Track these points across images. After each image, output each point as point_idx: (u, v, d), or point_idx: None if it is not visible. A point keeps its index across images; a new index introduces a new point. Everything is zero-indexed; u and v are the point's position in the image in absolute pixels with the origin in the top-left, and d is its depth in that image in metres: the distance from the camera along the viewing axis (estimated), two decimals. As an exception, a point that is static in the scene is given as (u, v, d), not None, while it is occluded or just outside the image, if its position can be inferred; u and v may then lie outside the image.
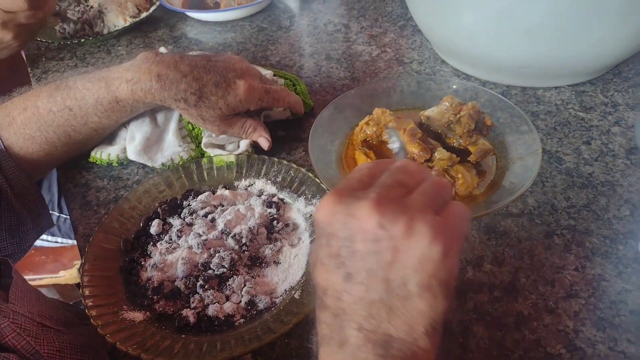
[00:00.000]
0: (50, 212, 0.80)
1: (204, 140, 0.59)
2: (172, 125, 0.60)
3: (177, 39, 0.86)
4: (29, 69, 0.83)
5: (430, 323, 0.28)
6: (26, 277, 0.92)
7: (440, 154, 0.54)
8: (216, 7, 0.91)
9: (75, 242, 0.95)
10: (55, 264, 0.92)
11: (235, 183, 0.56)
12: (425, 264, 0.28)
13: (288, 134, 0.63)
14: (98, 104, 0.55)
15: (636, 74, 0.68)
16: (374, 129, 0.58)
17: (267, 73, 0.67)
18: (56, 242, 0.92)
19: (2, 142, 0.56)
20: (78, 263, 1.06)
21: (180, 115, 0.61)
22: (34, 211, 0.62)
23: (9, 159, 0.57)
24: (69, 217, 0.90)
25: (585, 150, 0.58)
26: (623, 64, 0.70)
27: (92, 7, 0.90)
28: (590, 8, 0.53)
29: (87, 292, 0.44)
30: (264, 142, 0.58)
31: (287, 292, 0.44)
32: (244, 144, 0.59)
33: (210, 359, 0.38)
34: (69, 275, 0.94)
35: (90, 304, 0.43)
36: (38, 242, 0.85)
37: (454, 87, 0.63)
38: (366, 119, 0.59)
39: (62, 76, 0.58)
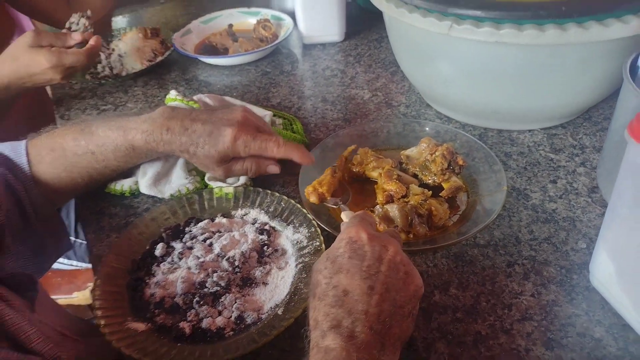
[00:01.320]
0: (67, 236, 0.87)
1: (207, 175, 0.67)
2: (180, 161, 0.67)
3: (188, 81, 0.95)
4: (54, 107, 0.92)
5: (405, 339, 0.40)
6: (41, 298, 0.99)
7: (414, 190, 0.60)
8: (225, 52, 1.00)
9: (89, 265, 1.01)
10: (69, 286, 0.98)
11: (232, 212, 0.62)
12: (415, 298, 0.41)
13: (284, 168, 0.70)
14: (117, 150, 0.63)
15: (604, 119, 0.75)
16: (357, 169, 0.65)
17: (267, 114, 0.74)
18: (71, 265, 0.99)
19: (32, 174, 0.63)
20: (91, 285, 1.12)
21: (184, 165, 0.68)
22: (55, 235, 0.69)
23: (36, 189, 0.65)
24: (84, 242, 0.97)
25: (551, 189, 0.63)
26: (594, 109, 0.76)
27: (113, 50, 1.00)
28: (550, 64, 0.60)
29: (97, 305, 0.50)
30: (274, 169, 0.65)
31: (272, 309, 0.50)
32: (243, 178, 0.66)
33: None
34: (82, 296, 1.00)
35: (100, 314, 0.49)
36: (55, 265, 0.92)
37: (434, 129, 0.70)
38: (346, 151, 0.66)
39: (86, 119, 0.66)
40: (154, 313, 0.50)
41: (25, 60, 0.77)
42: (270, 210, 0.61)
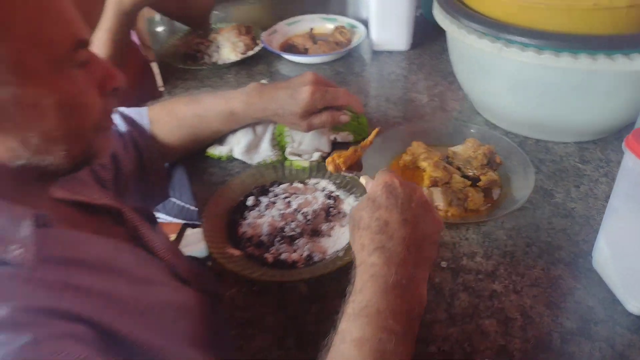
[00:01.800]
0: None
1: (287, 150, 0.82)
2: (267, 136, 0.84)
3: (272, 73, 1.12)
4: (161, 85, 1.11)
5: (434, 261, 0.51)
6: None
7: (456, 179, 0.73)
8: (305, 52, 1.16)
9: (172, 219, 1.21)
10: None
11: (307, 180, 0.78)
12: (438, 230, 0.51)
13: (349, 152, 0.85)
14: (219, 114, 0.80)
15: (634, 140, 0.85)
16: (410, 158, 0.79)
17: (339, 107, 0.90)
18: (158, 218, 1.18)
19: (151, 133, 0.81)
20: (174, 236, 1.31)
21: (273, 130, 0.84)
22: (160, 185, 0.87)
23: (153, 146, 0.83)
24: (171, 199, 1.16)
25: (574, 192, 0.75)
26: (624, 130, 0.87)
27: (212, 42, 1.18)
28: (583, 87, 0.72)
29: (205, 236, 0.67)
30: (345, 118, 0.79)
31: (334, 253, 0.65)
32: (316, 155, 0.81)
33: (276, 280, 0.60)
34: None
35: (207, 241, 0.65)
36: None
37: (480, 133, 0.83)
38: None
39: (191, 93, 0.83)
40: (245, 245, 0.67)
41: None
42: (337, 182, 0.76)
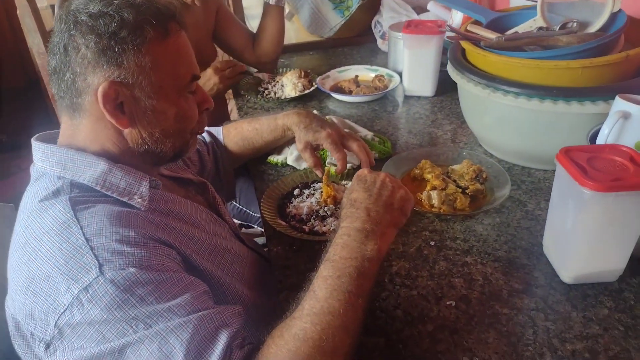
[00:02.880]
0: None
1: (327, 160, 1.10)
2: (313, 150, 1.12)
3: (322, 108, 1.42)
4: (237, 112, 1.44)
5: (400, 225, 0.74)
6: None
7: (450, 186, 0.98)
8: (349, 93, 1.46)
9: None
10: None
11: (339, 181, 1.05)
12: (402, 200, 0.74)
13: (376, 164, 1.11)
14: (270, 129, 1.09)
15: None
16: (418, 171, 1.04)
17: (370, 133, 1.17)
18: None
19: (224, 144, 1.12)
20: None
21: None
22: (228, 186, 1.17)
23: (224, 153, 1.13)
24: (234, 202, 1.46)
25: (543, 203, 0.97)
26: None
27: (277, 81, 1.51)
28: (548, 125, 0.96)
29: (263, 210, 0.95)
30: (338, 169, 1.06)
31: (353, 228, 0.91)
32: (347, 165, 1.08)
33: (309, 239, 0.86)
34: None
35: (264, 214, 0.93)
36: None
37: (477, 158, 1.08)
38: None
39: (254, 115, 1.14)
40: (290, 220, 0.94)
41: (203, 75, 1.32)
42: (361, 184, 1.03)
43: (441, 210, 0.95)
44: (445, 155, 1.11)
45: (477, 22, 1.13)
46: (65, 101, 0.69)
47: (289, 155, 1.13)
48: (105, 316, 0.58)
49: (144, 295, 0.59)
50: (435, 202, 0.95)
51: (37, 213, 0.66)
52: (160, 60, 0.69)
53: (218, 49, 1.68)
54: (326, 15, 1.76)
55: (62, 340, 0.59)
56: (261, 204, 0.97)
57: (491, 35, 1.05)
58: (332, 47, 1.88)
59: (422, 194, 0.98)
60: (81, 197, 0.67)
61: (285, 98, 1.45)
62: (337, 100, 1.45)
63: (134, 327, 0.58)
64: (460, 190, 0.98)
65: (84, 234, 0.62)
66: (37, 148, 0.71)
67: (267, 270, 0.90)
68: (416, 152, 1.12)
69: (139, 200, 0.71)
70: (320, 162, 1.04)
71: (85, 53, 0.65)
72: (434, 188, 0.98)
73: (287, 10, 1.82)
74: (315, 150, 1.04)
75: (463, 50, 1.11)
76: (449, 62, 1.14)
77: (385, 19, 1.69)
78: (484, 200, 0.98)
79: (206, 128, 1.14)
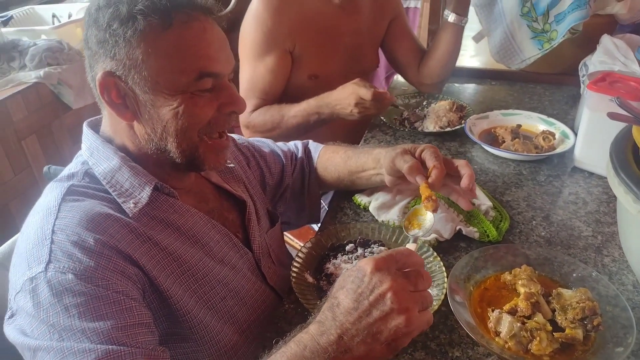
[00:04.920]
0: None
1: (404, 223, 0.91)
2: (401, 204, 0.94)
3: (460, 153, 1.19)
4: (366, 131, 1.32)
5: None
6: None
7: (539, 317, 0.70)
8: (500, 144, 1.18)
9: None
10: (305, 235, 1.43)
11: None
12: (397, 333, 0.54)
13: (471, 243, 0.88)
14: (361, 160, 0.96)
15: None
16: (510, 278, 0.78)
17: (487, 204, 0.94)
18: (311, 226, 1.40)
19: (315, 165, 1.02)
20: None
21: (408, 202, 0.94)
22: (313, 209, 1.07)
23: (313, 173, 1.03)
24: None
25: None
26: None
27: (421, 110, 1.32)
28: None
29: (298, 254, 0.83)
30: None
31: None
32: (432, 236, 0.88)
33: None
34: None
35: (296, 260, 0.82)
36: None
37: (602, 291, 0.75)
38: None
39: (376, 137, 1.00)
40: (322, 278, 0.80)
41: (342, 90, 1.17)
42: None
43: (506, 347, 0.69)
44: (565, 269, 0.80)
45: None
46: (93, 92, 0.70)
47: (374, 201, 0.97)
48: (33, 312, 0.58)
49: (69, 306, 0.58)
50: (503, 331, 0.70)
51: (47, 190, 0.70)
52: (156, 53, 0.65)
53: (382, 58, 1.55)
54: (520, 44, 1.46)
55: (15, 317, 0.62)
56: (299, 252, 0.85)
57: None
58: (521, 80, 1.58)
59: (492, 311, 0.72)
60: (81, 188, 0.68)
61: (421, 130, 1.26)
62: (481, 148, 1.20)
63: (50, 333, 0.57)
64: (551, 328, 0.69)
65: (53, 226, 0.62)
66: (84, 130, 0.75)
67: (281, 315, 0.80)
68: (529, 251, 0.84)
69: (131, 205, 0.68)
70: (419, 165, 0.85)
71: (92, 46, 0.66)
72: (514, 310, 0.72)
73: (479, 29, 1.57)
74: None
75: (636, 148, 0.76)
76: (608, 163, 0.79)
77: (593, 62, 1.32)
78: (581, 355, 0.68)
79: (307, 144, 1.07)
